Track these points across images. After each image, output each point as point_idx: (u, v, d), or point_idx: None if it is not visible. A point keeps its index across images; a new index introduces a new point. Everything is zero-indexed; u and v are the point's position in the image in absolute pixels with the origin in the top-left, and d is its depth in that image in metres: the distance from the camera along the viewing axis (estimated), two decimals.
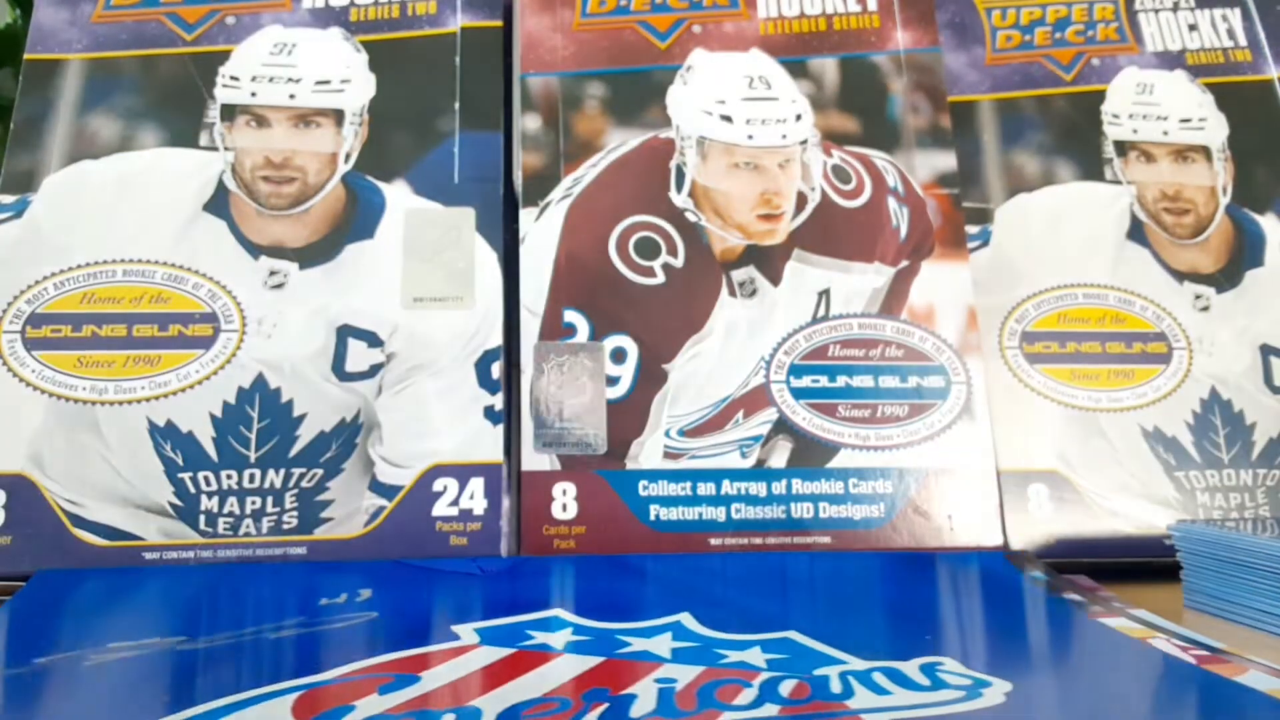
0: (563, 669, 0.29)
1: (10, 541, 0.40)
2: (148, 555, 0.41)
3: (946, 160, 0.49)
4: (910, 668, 0.30)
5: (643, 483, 0.44)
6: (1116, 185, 0.51)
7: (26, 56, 0.48)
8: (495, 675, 0.29)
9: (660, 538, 0.43)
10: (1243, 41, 0.53)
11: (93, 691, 0.28)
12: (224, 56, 0.48)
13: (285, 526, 0.42)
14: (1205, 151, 0.52)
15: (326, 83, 0.48)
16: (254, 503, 0.42)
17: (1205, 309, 0.50)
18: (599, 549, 0.43)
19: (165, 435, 0.42)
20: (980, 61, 0.52)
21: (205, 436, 0.42)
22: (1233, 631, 0.36)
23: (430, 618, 0.34)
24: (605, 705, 0.27)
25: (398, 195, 0.47)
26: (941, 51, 0.52)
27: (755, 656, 0.31)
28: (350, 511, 0.42)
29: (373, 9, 0.50)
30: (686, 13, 0.51)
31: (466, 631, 0.33)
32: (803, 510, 0.44)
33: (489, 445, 0.43)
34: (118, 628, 0.34)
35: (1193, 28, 0.54)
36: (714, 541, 0.43)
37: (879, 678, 0.29)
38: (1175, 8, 0.54)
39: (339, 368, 0.44)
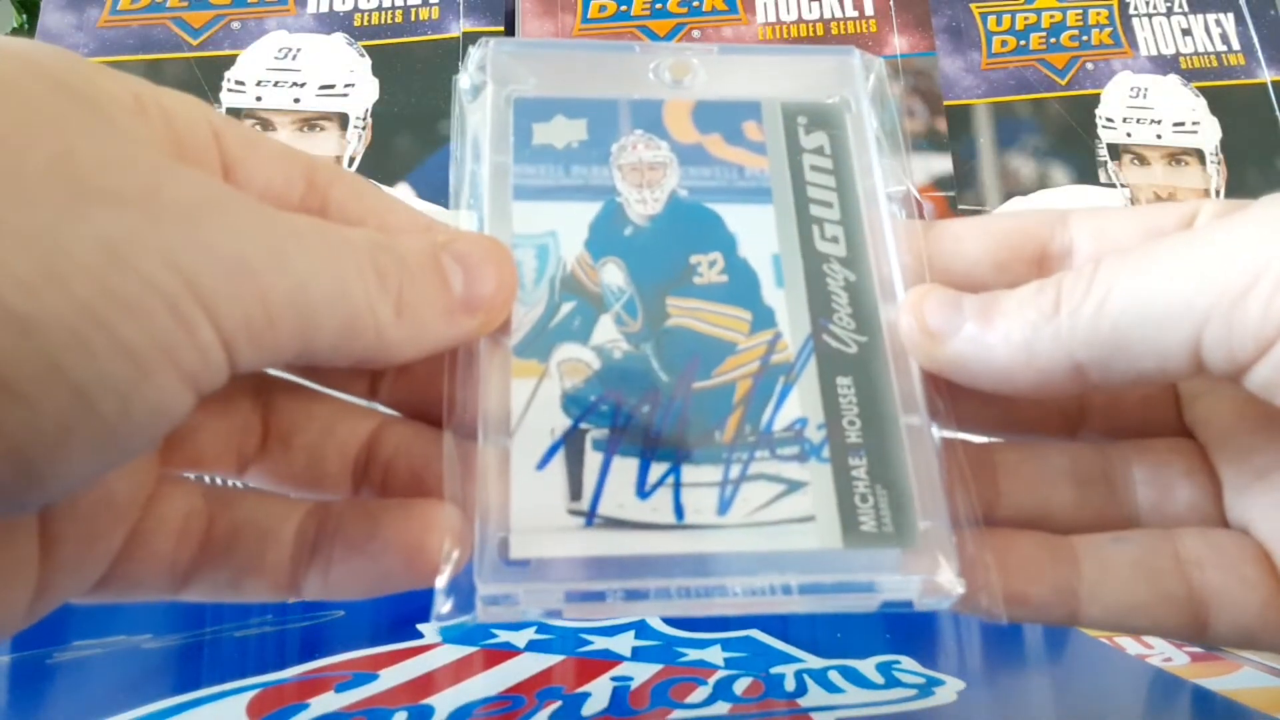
0: (521, 667, 0.30)
1: None
2: None
3: (943, 163, 0.50)
4: (867, 666, 0.30)
5: None
6: (1111, 188, 0.51)
7: None
8: (453, 673, 0.29)
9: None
10: (1236, 46, 0.54)
11: (53, 688, 0.29)
12: (229, 61, 0.49)
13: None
14: (1199, 155, 0.52)
15: (331, 87, 0.48)
16: None
17: None
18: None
19: None
20: (976, 66, 0.53)
21: None
22: None
23: (396, 616, 0.34)
24: (558, 704, 0.27)
25: (401, 198, 0.47)
26: (937, 56, 0.52)
27: (714, 655, 0.31)
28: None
29: (376, 14, 0.50)
30: (686, 18, 0.52)
31: (430, 630, 0.33)
32: None
33: None
34: (86, 625, 0.34)
35: (1186, 32, 0.54)
36: None
37: (834, 676, 0.29)
38: (1169, 12, 0.55)
39: None
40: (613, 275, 0.21)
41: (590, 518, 0.19)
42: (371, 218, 0.20)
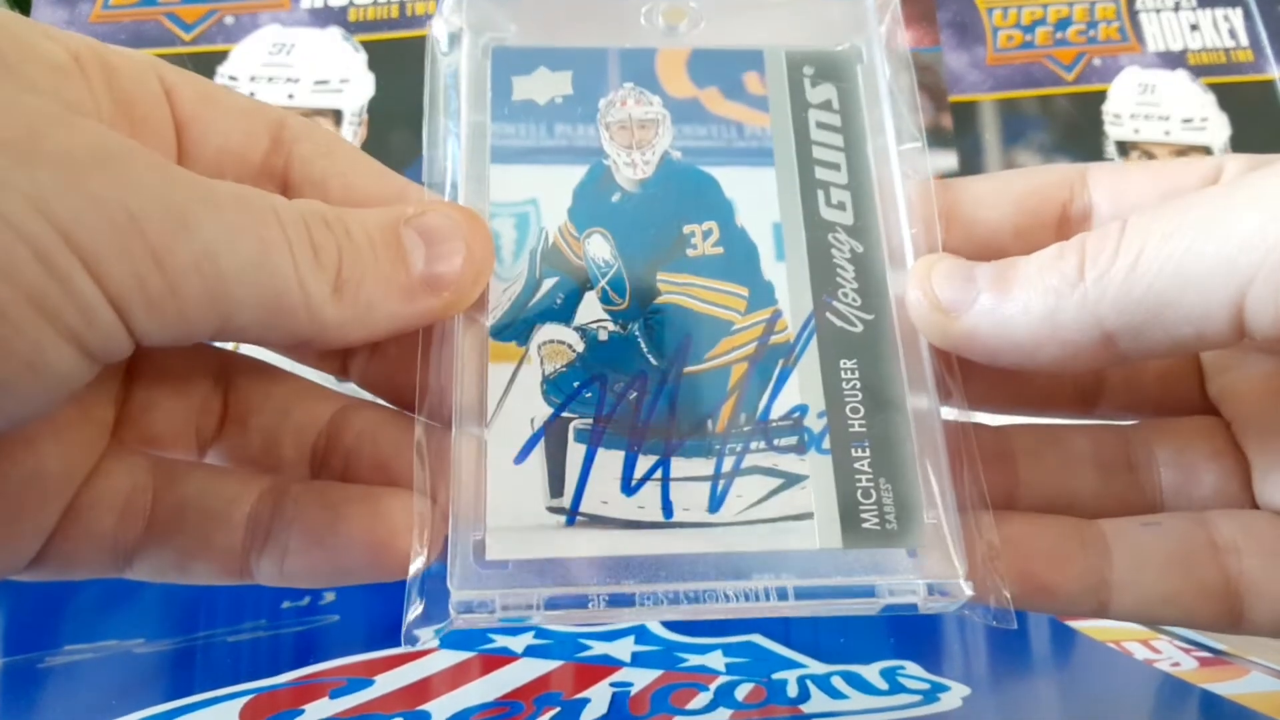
0: (519, 672, 0.29)
1: None
2: None
3: (948, 160, 0.49)
4: (870, 672, 0.30)
5: None
6: None
7: None
8: (450, 679, 0.29)
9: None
10: (1244, 41, 0.53)
11: (44, 693, 0.28)
12: (222, 56, 0.48)
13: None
14: (1207, 151, 0.51)
15: (325, 83, 0.48)
16: None
17: None
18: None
19: None
20: (982, 61, 0.52)
21: None
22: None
23: (392, 621, 0.34)
24: (556, 709, 0.26)
25: None
26: (943, 51, 0.52)
27: (715, 660, 0.30)
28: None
29: (372, 9, 0.50)
30: None
31: (427, 634, 0.32)
32: None
33: None
34: (78, 629, 0.33)
35: (1194, 27, 0.53)
36: None
37: (837, 681, 0.29)
38: (1177, 8, 0.54)
39: None
40: (599, 248, 0.20)
41: (572, 516, 0.18)
42: (336, 178, 0.19)
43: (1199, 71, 0.52)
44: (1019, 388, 0.21)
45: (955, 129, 0.50)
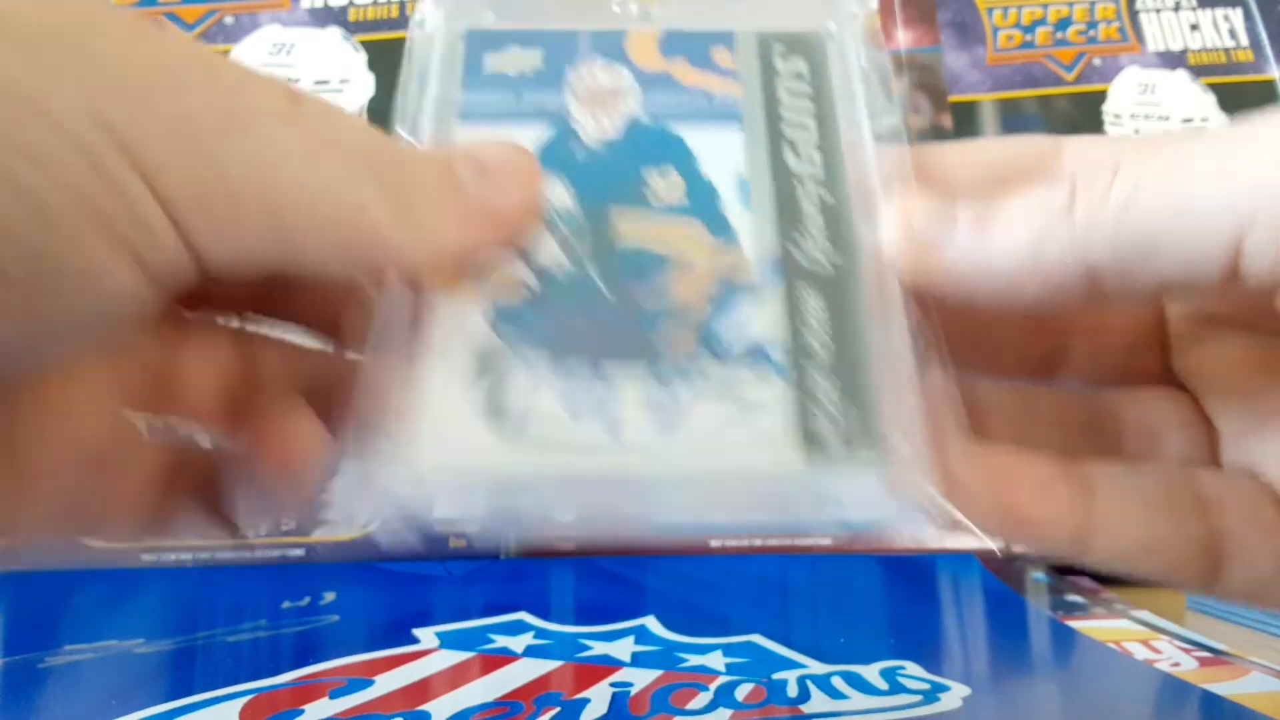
0: (519, 673, 0.29)
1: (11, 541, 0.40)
2: (146, 557, 0.40)
3: None
4: (871, 672, 0.30)
5: None
6: None
7: None
8: (450, 679, 0.29)
9: (662, 538, 0.43)
10: (1244, 41, 0.53)
11: (44, 693, 0.28)
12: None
13: (283, 528, 0.42)
14: None
15: (325, 83, 0.48)
16: None
17: None
18: (601, 549, 0.43)
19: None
20: (982, 61, 0.52)
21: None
22: (1234, 633, 0.36)
23: (392, 621, 0.34)
24: (556, 709, 0.27)
25: None
26: (943, 51, 0.52)
27: (716, 660, 0.30)
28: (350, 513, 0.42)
29: (371, 9, 0.50)
30: None
31: (427, 635, 0.32)
32: None
33: None
34: (78, 629, 0.33)
35: (1194, 27, 0.53)
36: (714, 543, 0.43)
37: (837, 682, 0.29)
38: (1177, 7, 0.54)
39: None
40: (560, 197, 0.19)
41: (513, 438, 0.17)
42: None
43: (1199, 71, 0.52)
44: (980, 350, 0.21)
45: (955, 129, 0.50)
